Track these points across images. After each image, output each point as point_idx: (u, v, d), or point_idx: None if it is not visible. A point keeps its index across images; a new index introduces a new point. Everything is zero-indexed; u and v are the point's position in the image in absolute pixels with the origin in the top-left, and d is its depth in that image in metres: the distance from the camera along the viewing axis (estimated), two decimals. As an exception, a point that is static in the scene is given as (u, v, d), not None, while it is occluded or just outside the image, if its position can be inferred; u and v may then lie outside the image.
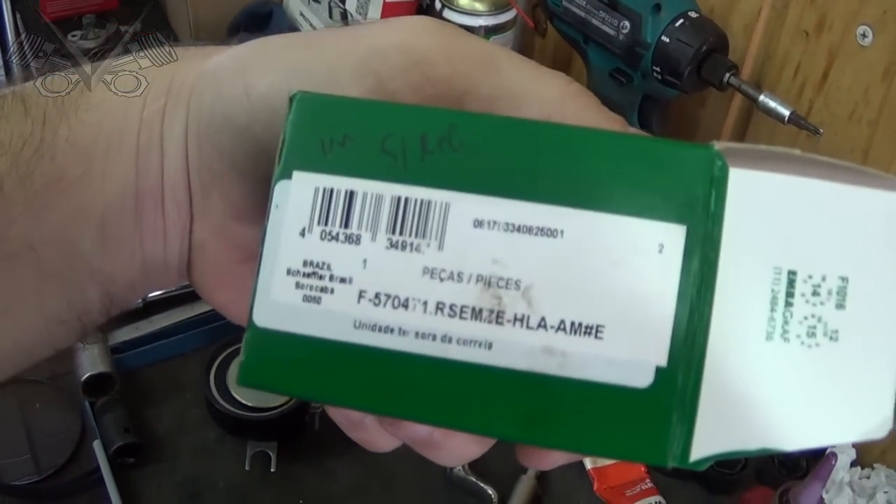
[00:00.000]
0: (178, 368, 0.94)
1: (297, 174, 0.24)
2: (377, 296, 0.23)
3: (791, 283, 0.23)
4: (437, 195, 0.23)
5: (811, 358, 0.23)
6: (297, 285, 0.24)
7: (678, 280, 0.22)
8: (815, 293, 0.23)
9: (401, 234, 0.23)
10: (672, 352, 0.22)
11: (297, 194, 0.24)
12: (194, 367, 0.89)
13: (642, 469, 0.88)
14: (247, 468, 0.84)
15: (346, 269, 0.24)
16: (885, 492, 0.86)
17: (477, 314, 0.23)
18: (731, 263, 0.23)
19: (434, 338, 0.23)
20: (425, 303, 0.23)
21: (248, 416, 0.84)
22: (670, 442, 0.22)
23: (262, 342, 0.24)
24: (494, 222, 0.23)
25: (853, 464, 0.88)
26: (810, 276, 0.23)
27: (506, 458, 0.95)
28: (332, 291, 0.24)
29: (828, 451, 0.73)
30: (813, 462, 0.87)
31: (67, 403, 0.89)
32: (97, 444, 0.84)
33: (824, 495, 0.74)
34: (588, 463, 0.88)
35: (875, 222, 0.23)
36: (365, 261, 0.23)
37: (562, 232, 0.23)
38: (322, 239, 0.24)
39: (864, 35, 0.78)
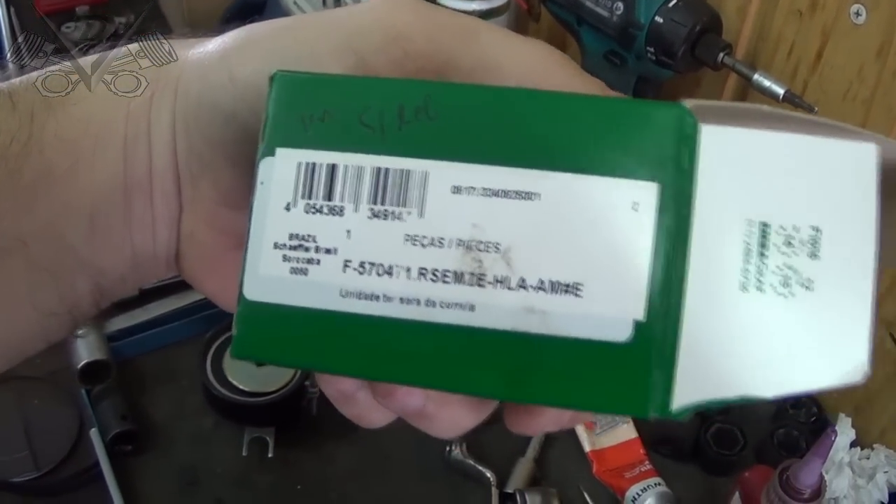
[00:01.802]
0: (174, 356, 0.93)
1: (279, 150, 0.25)
2: (362, 264, 0.24)
3: (764, 235, 0.23)
4: (415, 164, 0.24)
5: (786, 307, 0.23)
6: (285, 258, 0.25)
7: (653, 236, 0.23)
8: (788, 244, 0.23)
9: (382, 203, 0.24)
10: (650, 306, 0.23)
11: (280, 170, 0.25)
12: (190, 355, 0.89)
13: (641, 451, 0.88)
14: (244, 454, 0.84)
15: (331, 240, 0.24)
16: (885, 472, 0.86)
17: (459, 277, 0.23)
18: (705, 218, 0.23)
19: (418, 302, 0.24)
20: (408, 269, 0.24)
21: (244, 402, 0.84)
22: (651, 393, 0.23)
23: (252, 315, 0.25)
24: (473, 188, 0.24)
25: (853, 444, 0.88)
26: (783, 227, 0.23)
27: (504, 440, 0.95)
28: (319, 262, 0.24)
29: (828, 428, 0.73)
30: (812, 441, 0.87)
31: (66, 399, 0.88)
32: (94, 433, 0.84)
33: (824, 475, 0.73)
34: (587, 445, 0.88)
35: (844, 173, 0.24)
36: (349, 231, 0.24)
37: (538, 194, 0.23)
38: (306, 212, 0.24)
39: (857, 14, 0.77)
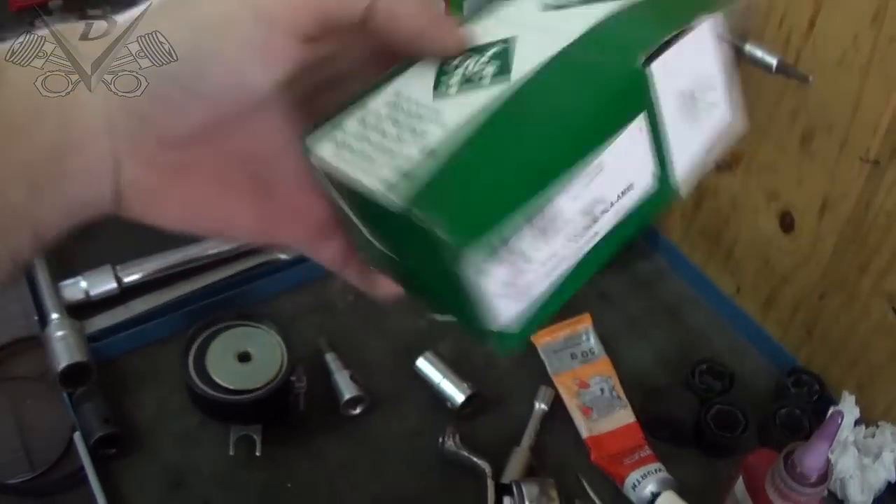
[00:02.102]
0: (157, 354, 0.91)
1: (472, 251, 0.33)
2: (547, 259, 0.37)
3: (693, 100, 0.39)
4: (544, 204, 0.35)
5: (706, 121, 0.41)
6: (504, 296, 0.36)
7: (650, 137, 0.38)
8: (696, 99, 0.40)
9: (545, 229, 0.36)
10: (658, 165, 0.39)
11: (482, 260, 0.34)
12: (173, 353, 0.86)
13: (640, 436, 0.86)
14: (231, 453, 0.81)
15: (524, 263, 0.36)
16: (892, 450, 0.84)
17: (589, 226, 0.38)
18: (666, 108, 0.38)
19: (579, 251, 0.38)
20: (569, 240, 0.37)
21: (229, 400, 0.81)
22: (673, 188, 0.40)
23: (510, 331, 0.37)
24: (575, 196, 0.36)
25: (857, 422, 0.86)
26: (695, 94, 0.39)
27: (498, 429, 0.92)
28: (524, 274, 0.36)
29: (832, 409, 0.71)
30: (815, 420, 0.85)
31: (59, 399, 0.87)
32: (77, 437, 0.82)
33: (829, 455, 0.71)
34: (584, 431, 0.85)
35: (707, 44, 0.39)
36: (530, 255, 0.36)
37: (602, 165, 0.36)
38: (505, 265, 0.35)
39: (850, -21, 0.75)
